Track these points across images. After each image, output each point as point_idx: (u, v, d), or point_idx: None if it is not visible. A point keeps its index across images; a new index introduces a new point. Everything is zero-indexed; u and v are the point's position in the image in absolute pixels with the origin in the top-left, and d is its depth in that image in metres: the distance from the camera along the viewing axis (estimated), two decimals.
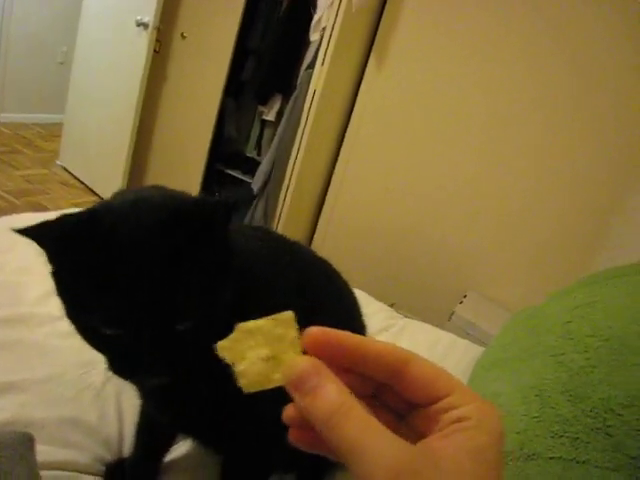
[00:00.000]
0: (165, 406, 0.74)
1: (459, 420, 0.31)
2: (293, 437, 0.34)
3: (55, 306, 1.18)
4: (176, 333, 0.51)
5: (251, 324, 0.35)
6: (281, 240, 0.85)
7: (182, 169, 3.46)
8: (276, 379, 0.33)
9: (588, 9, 2.25)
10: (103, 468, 0.88)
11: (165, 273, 0.49)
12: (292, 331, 0.34)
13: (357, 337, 0.34)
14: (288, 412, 0.33)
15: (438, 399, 0.32)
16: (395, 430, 0.30)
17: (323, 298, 0.84)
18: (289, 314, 0.35)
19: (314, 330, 0.33)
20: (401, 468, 0.28)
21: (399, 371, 0.33)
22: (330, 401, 0.30)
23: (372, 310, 1.56)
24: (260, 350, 0.34)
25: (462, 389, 0.33)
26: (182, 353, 0.52)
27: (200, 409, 0.70)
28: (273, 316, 0.35)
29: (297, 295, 0.73)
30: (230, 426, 0.72)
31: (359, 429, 0.29)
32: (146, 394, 0.76)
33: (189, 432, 0.81)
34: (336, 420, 0.29)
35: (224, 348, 0.34)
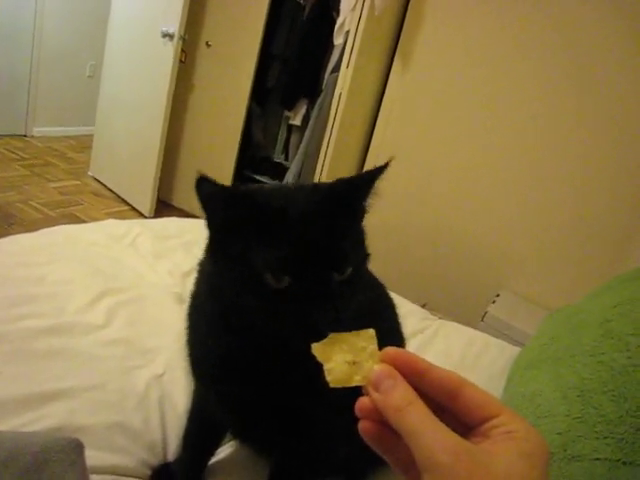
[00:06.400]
0: (234, 406, 0.74)
1: (509, 432, 0.36)
2: (362, 428, 0.41)
3: (97, 315, 1.22)
4: (337, 283, 0.56)
5: (340, 335, 0.44)
6: None
7: (211, 176, 3.49)
8: (356, 380, 0.41)
9: None
10: (149, 472, 0.90)
11: (326, 227, 0.56)
12: (372, 345, 0.43)
13: (424, 361, 0.41)
14: (362, 404, 0.40)
15: (489, 418, 0.38)
16: None
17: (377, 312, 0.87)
18: (371, 332, 0.44)
19: (391, 349, 0.41)
20: (457, 448, 0.34)
21: (455, 393, 0.39)
22: (401, 397, 0.38)
23: (405, 312, 1.56)
24: (345, 355, 0.43)
25: (510, 411, 0.38)
26: (345, 303, 0.56)
27: (268, 411, 0.71)
28: (358, 332, 0.44)
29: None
30: (289, 430, 0.73)
31: (422, 418, 0.36)
32: (216, 393, 0.76)
33: (246, 434, 0.83)
34: (404, 410, 0.37)
35: (317, 349, 0.44)
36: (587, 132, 2.37)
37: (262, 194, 0.61)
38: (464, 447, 0.34)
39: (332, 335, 0.44)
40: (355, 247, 0.59)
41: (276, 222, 0.55)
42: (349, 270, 0.56)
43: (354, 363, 0.42)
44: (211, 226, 0.60)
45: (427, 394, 0.40)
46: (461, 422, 0.39)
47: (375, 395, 0.39)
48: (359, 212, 0.63)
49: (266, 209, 0.56)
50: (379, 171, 0.60)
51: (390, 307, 0.95)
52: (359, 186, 0.61)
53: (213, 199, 0.57)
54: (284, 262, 0.53)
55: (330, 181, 0.63)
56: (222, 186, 0.56)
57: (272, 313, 0.55)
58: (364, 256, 0.62)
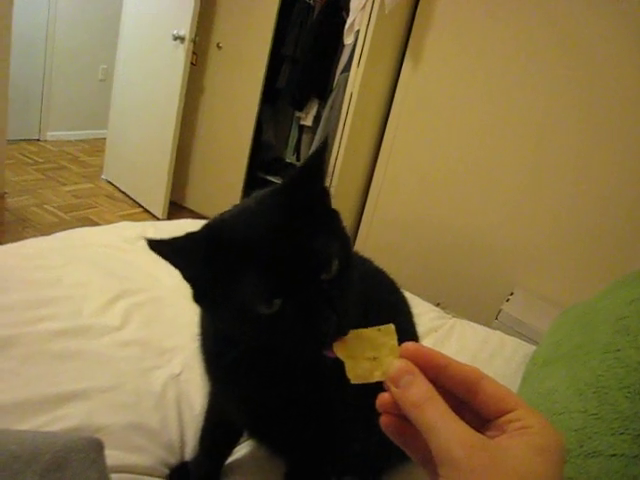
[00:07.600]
0: (249, 406, 0.75)
1: (524, 427, 0.37)
2: (382, 422, 0.42)
3: (113, 317, 1.23)
4: (330, 284, 0.53)
5: (361, 331, 0.45)
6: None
7: (224, 178, 3.52)
8: (376, 375, 0.42)
9: None
10: (167, 471, 0.91)
11: (295, 234, 0.53)
12: (392, 340, 0.43)
13: (444, 356, 0.42)
14: (382, 399, 0.42)
15: (506, 412, 0.38)
16: None
17: (389, 309, 0.87)
18: (391, 327, 0.44)
19: (411, 345, 0.42)
20: (473, 443, 0.35)
21: (475, 387, 0.40)
22: (419, 392, 0.39)
23: (420, 311, 1.55)
24: (366, 352, 0.43)
25: (526, 406, 0.39)
26: (344, 300, 0.53)
27: (283, 410, 0.71)
28: (378, 327, 0.44)
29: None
30: (304, 431, 0.74)
31: (440, 413, 0.37)
32: (230, 394, 0.77)
33: (262, 434, 0.83)
34: (423, 406, 0.38)
35: (338, 347, 0.44)
36: (602, 128, 2.35)
37: (218, 228, 0.57)
38: (479, 442, 0.35)
39: (353, 331, 0.44)
40: (331, 237, 0.56)
41: (244, 253, 0.53)
42: (335, 265, 0.53)
43: (374, 359, 0.43)
44: (187, 279, 0.57)
45: (447, 388, 0.41)
46: (479, 416, 0.40)
47: (394, 390, 0.40)
48: (321, 199, 0.59)
49: (229, 245, 0.53)
50: (322, 151, 0.57)
51: (403, 303, 0.95)
52: (312, 174, 0.58)
53: (176, 254, 0.54)
54: (269, 289, 0.51)
55: (282, 182, 0.59)
56: (174, 239, 0.52)
57: (275, 338, 0.54)
58: (344, 240, 0.59)
